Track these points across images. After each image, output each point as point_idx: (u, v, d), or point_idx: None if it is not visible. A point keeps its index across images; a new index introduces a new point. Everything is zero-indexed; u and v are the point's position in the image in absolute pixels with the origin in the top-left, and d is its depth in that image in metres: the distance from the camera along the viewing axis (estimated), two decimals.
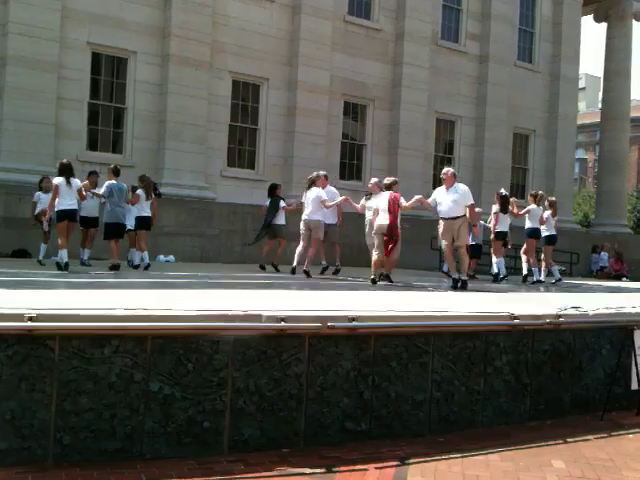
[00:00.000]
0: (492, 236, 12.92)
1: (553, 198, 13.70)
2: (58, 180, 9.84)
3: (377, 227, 10.02)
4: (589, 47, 68.35)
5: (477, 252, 14.65)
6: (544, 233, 12.78)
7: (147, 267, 10.74)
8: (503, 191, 13.03)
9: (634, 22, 24.93)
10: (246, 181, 16.70)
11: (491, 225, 12.88)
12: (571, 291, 11.49)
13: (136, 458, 4.43)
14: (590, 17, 25.78)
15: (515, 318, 5.94)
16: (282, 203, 12.41)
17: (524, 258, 12.98)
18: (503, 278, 12.65)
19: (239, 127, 16.92)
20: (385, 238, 9.88)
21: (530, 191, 14.08)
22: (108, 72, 15.25)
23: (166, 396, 4.53)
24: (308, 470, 4.49)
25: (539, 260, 13.07)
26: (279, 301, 6.31)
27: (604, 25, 25.35)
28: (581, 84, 30.53)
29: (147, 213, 11.11)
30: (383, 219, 9.93)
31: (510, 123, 21.39)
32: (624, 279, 19.11)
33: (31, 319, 4.16)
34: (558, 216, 13.48)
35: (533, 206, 12.71)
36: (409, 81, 19.01)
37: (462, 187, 9.80)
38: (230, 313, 4.88)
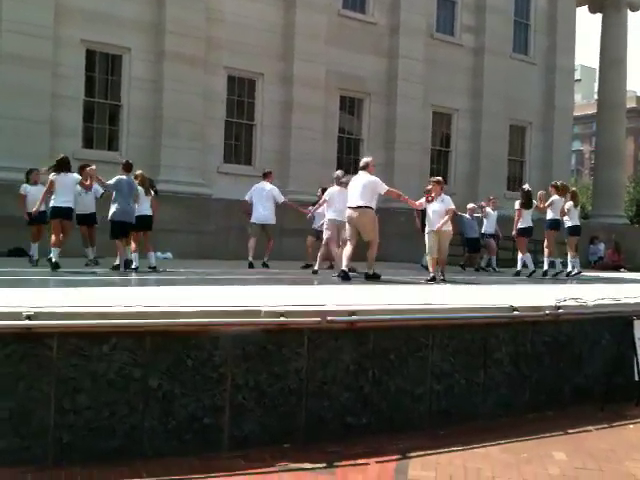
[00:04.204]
0: (514, 232, 12.83)
1: (575, 189, 13.63)
2: (54, 175, 9.68)
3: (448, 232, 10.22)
4: (584, 38, 68.40)
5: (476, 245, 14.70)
6: (567, 224, 12.68)
7: (131, 266, 10.29)
8: (527, 186, 12.93)
9: (629, 12, 24.88)
10: (243, 177, 16.64)
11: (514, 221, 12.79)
12: (570, 282, 11.49)
13: (136, 456, 4.41)
14: (585, 8, 25.72)
15: (514, 310, 5.93)
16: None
17: (546, 252, 12.84)
18: (531, 273, 12.49)
19: (235, 123, 16.86)
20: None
21: (551, 182, 13.85)
22: (103, 69, 15.18)
23: (166, 393, 4.51)
24: (309, 465, 4.48)
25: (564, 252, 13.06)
26: (278, 296, 6.29)
27: (599, 16, 25.30)
28: (577, 75, 30.43)
29: (148, 212, 10.62)
30: (448, 225, 10.20)
31: (507, 115, 21.34)
32: (622, 270, 19.10)
33: (29, 317, 4.14)
34: None
35: (556, 197, 12.57)
36: (405, 74, 18.95)
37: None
38: (229, 309, 4.86)
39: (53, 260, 9.40)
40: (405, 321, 5.42)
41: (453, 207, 10.31)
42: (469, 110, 20.76)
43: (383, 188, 9.64)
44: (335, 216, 10.69)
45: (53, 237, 9.63)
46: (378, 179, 9.76)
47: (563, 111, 22.91)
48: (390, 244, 13.94)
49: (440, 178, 10.85)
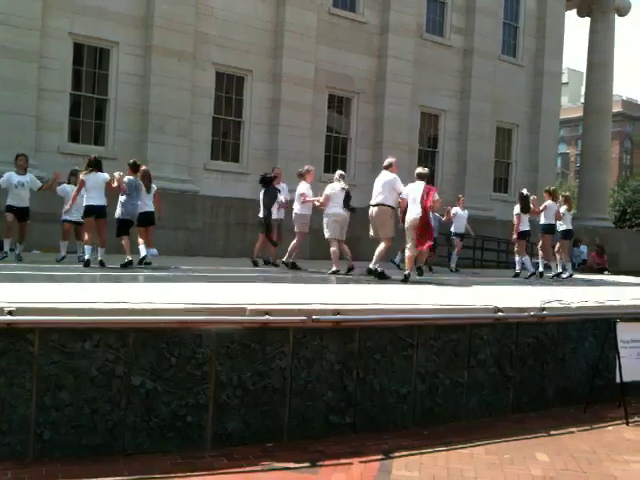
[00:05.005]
0: (515, 236, 12.96)
1: (568, 193, 13.94)
2: (85, 175, 9.84)
3: (410, 221, 9.53)
4: (572, 41, 68.83)
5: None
6: (560, 228, 12.97)
7: (145, 261, 10.41)
8: (525, 191, 13.05)
9: (617, 17, 25.08)
10: (230, 174, 16.60)
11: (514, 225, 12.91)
12: (554, 284, 11.57)
13: (118, 453, 4.38)
14: (574, 12, 25.91)
15: (499, 311, 5.95)
16: (279, 196, 11.97)
17: (541, 254, 13.15)
18: (531, 275, 12.73)
19: (223, 120, 16.78)
20: (417, 231, 9.47)
21: (544, 187, 14.23)
22: (90, 63, 15.02)
23: (148, 390, 4.48)
24: (292, 465, 4.46)
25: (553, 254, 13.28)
26: (263, 294, 6.27)
27: (587, 20, 25.49)
28: (564, 78, 30.66)
29: (149, 208, 10.67)
30: (415, 212, 9.47)
31: (494, 117, 21.43)
32: (606, 272, 19.27)
33: (10, 313, 4.09)
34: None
35: (549, 202, 12.81)
36: (394, 74, 18.95)
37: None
38: (214, 306, 4.83)
39: (86, 258, 9.50)
40: (390, 321, 5.42)
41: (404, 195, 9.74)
42: (457, 111, 20.80)
43: (400, 187, 9.86)
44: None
45: (86, 235, 9.75)
46: (398, 178, 9.97)
47: (549, 113, 23.04)
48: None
49: (420, 170, 10.11)
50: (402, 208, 10.01)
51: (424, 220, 9.47)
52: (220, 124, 16.72)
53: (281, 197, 11.78)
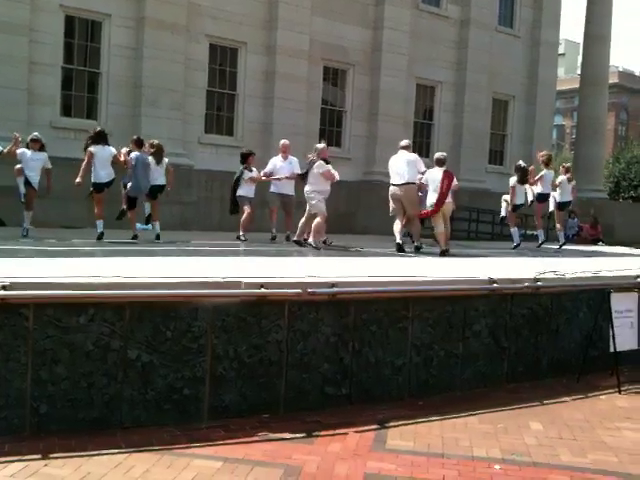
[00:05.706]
0: (510, 208, 12.77)
1: (568, 164, 13.93)
2: (93, 148, 9.77)
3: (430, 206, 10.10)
4: (569, 12, 68.22)
5: None
6: (557, 198, 12.97)
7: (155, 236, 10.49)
8: (522, 163, 12.97)
9: None
10: (225, 148, 16.48)
11: (509, 197, 12.75)
12: (549, 255, 11.60)
13: (116, 426, 4.41)
14: None
15: (494, 282, 5.97)
16: (247, 174, 11.75)
17: (538, 225, 13.25)
18: (516, 246, 12.80)
19: (217, 93, 16.61)
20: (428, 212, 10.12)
21: (539, 156, 14.19)
22: (82, 36, 14.80)
23: (145, 364, 4.50)
24: (288, 435, 4.51)
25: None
26: (259, 268, 6.27)
27: None
28: (560, 50, 30.28)
29: (158, 181, 10.67)
30: (433, 198, 9.99)
31: (490, 89, 21.26)
32: (600, 243, 19.33)
33: (4, 288, 4.08)
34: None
35: (545, 171, 12.74)
36: (389, 46, 18.73)
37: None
38: (209, 280, 4.83)
39: (99, 231, 9.66)
40: (385, 293, 5.44)
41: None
42: (452, 82, 20.62)
43: (422, 166, 10.27)
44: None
45: (97, 209, 9.89)
46: (419, 157, 10.49)
47: (546, 85, 22.85)
48: (374, 217, 13.94)
49: (439, 156, 10.50)
50: (422, 189, 10.37)
51: (441, 201, 9.98)
52: (214, 97, 16.55)
53: (250, 174, 11.69)
